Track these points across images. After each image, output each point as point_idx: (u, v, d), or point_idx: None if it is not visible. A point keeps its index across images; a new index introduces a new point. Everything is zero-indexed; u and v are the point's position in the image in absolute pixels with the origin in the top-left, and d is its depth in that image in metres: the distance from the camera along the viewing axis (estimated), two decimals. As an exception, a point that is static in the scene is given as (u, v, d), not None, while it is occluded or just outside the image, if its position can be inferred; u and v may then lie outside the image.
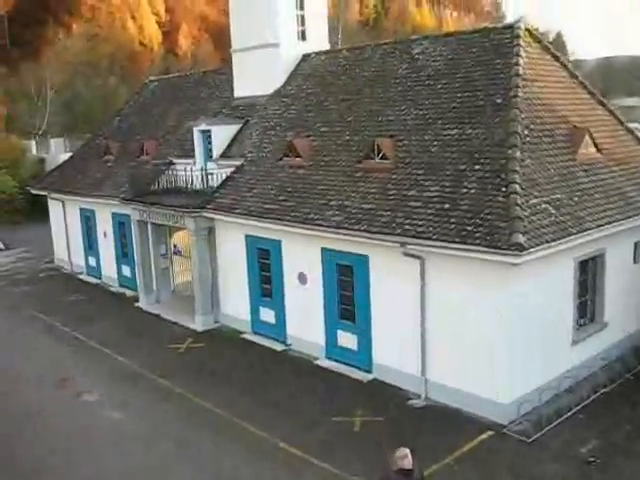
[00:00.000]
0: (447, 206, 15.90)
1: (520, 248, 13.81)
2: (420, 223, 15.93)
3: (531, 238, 14.25)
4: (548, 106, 17.93)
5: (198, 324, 22.52)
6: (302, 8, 24.86)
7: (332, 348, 19.05)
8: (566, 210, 15.78)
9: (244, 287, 21.54)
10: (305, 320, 19.72)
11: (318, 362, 19.16)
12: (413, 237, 15.71)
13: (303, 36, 25.07)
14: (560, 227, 15.16)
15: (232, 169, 22.82)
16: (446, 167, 16.93)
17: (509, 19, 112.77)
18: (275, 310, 20.76)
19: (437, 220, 15.71)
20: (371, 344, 17.97)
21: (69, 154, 40.27)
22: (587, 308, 17.74)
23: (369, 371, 18.09)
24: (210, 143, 24.32)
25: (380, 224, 16.65)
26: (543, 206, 15.41)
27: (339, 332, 18.80)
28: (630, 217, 17.17)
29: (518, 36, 18.45)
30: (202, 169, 24.01)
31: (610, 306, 17.99)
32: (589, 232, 15.74)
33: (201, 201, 21.90)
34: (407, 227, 16.05)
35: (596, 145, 18.33)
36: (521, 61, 17.84)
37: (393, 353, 17.37)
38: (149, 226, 24.69)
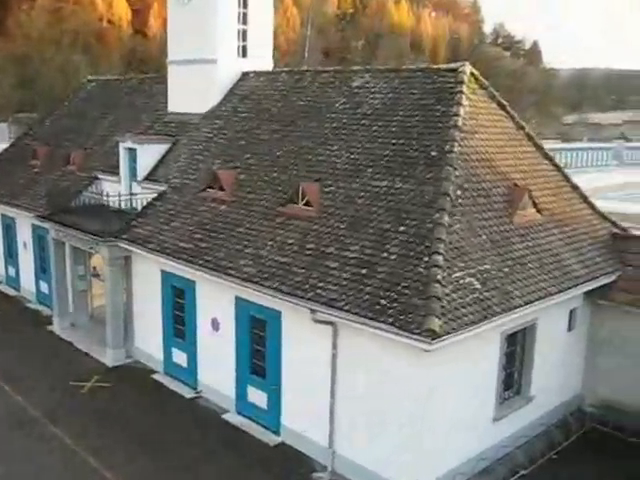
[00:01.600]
0: (364, 271, 14.50)
1: (433, 335, 12.48)
2: (334, 288, 14.53)
3: (448, 321, 12.92)
4: (487, 161, 16.59)
5: (109, 358, 20.91)
6: (245, 22, 23.18)
7: (242, 403, 17.66)
8: (493, 284, 14.48)
9: (158, 324, 20.02)
10: (216, 369, 18.29)
11: (227, 417, 17.75)
12: (324, 304, 14.30)
13: (244, 52, 23.39)
14: (483, 305, 13.85)
15: (155, 195, 21.16)
16: (370, 224, 15.52)
17: (488, 24, 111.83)
18: (187, 353, 19.28)
19: (352, 287, 14.32)
20: (280, 405, 16.61)
21: (5, 145, 37.90)
22: (513, 381, 16.56)
23: (277, 433, 16.74)
24: (136, 162, 22.61)
25: (293, 283, 15.20)
26: (467, 280, 14.07)
27: (249, 387, 17.41)
28: (565, 290, 15.94)
29: (462, 82, 17.05)
30: (127, 190, 22.40)
31: (538, 378, 16.82)
32: (515, 311, 14.47)
33: (118, 229, 20.22)
34: (319, 291, 14.63)
35: (536, 205, 17.06)
36: (462, 111, 16.45)
37: (302, 418, 16.05)
38: (67, 245, 22.95)
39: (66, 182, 24.77)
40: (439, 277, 13.45)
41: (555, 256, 16.64)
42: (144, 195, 21.41)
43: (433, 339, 12.47)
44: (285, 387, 16.38)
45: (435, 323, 12.60)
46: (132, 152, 22.70)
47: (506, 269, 15.09)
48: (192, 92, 23.10)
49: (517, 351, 16.34)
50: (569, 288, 16.09)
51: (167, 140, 22.74)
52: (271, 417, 16.86)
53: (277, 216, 17.41)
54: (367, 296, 13.90)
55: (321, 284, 14.79)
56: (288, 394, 16.33)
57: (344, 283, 14.50)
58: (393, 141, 17.07)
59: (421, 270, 13.79)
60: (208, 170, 20.49)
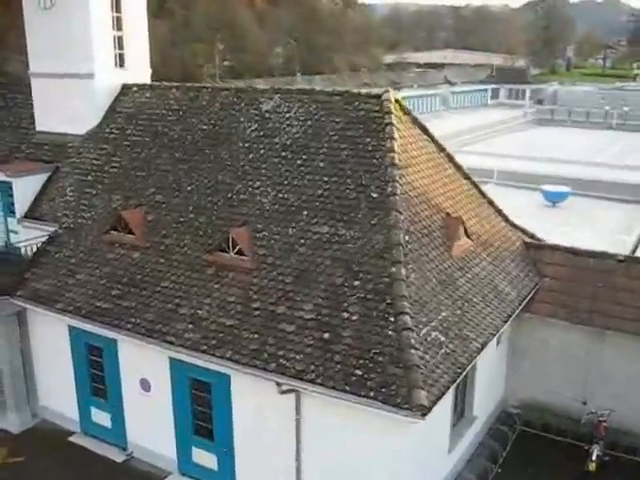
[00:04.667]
0: (327, 336, 13.86)
1: (424, 410, 12.26)
2: (298, 357, 13.77)
3: (428, 387, 12.74)
4: (423, 196, 16.35)
5: (13, 424, 18.72)
6: (120, 28, 20.75)
7: (187, 464, 16.61)
8: (453, 332, 14.47)
9: (69, 382, 18.14)
10: (151, 429, 16.99)
11: (171, 479, 16.66)
12: (292, 377, 13.55)
13: (121, 62, 21.03)
14: (452, 360, 13.82)
15: (43, 235, 18.79)
16: (319, 278, 14.80)
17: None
18: (111, 413, 17.72)
19: (318, 355, 13.65)
20: (234, 466, 15.81)
21: None
22: (457, 406, 16.93)
23: (232, 494, 15.99)
24: (11, 196, 19.90)
25: (248, 352, 14.24)
26: (433, 335, 13.94)
27: (195, 449, 16.38)
28: (507, 319, 16.34)
29: (389, 112, 16.45)
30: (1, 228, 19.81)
31: (478, 397, 17.36)
32: (473, 354, 14.61)
33: (7, 282, 17.81)
34: (282, 361, 13.82)
35: (467, 232, 17.16)
36: (396, 146, 15.94)
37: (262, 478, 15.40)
38: None
39: None
40: (412, 341, 13.18)
41: (491, 283, 16.95)
42: (28, 235, 18.95)
43: (423, 414, 12.27)
44: (239, 449, 15.57)
45: (422, 396, 12.37)
46: (4, 185, 19.92)
47: (458, 311, 15.14)
48: (66, 109, 20.46)
49: (462, 381, 16.63)
50: (510, 316, 16.52)
51: (46, 168, 20.14)
52: (224, 477, 16.05)
53: (206, 266, 16.13)
54: (338, 366, 13.34)
55: (282, 352, 13.97)
56: (242, 456, 15.56)
57: (308, 350, 13.79)
58: (325, 178, 16.25)
59: (390, 333, 13.43)
60: (107, 207, 18.48)
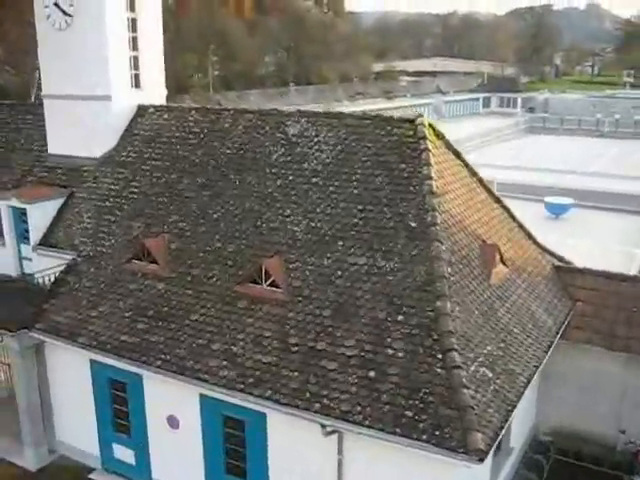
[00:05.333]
0: (373, 374, 13.31)
1: (481, 455, 11.77)
2: (342, 397, 13.21)
3: (483, 429, 12.25)
4: (460, 224, 15.89)
5: (30, 460, 18.00)
6: (135, 48, 20.15)
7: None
8: (499, 367, 13.98)
9: (90, 417, 17.45)
10: (179, 467, 16.34)
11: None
12: (337, 418, 12.99)
13: (137, 83, 20.42)
14: (501, 397, 13.33)
15: (61, 264, 18.12)
16: (360, 312, 14.27)
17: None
18: (135, 449, 17.05)
19: (364, 395, 13.10)
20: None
21: None
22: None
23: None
24: (25, 222, 19.20)
25: (288, 391, 13.65)
26: (481, 371, 13.44)
27: (226, 488, 15.77)
28: (546, 349, 15.89)
29: (424, 137, 15.98)
30: (15, 256, 19.16)
31: (515, 427, 16.90)
32: (520, 389, 14.14)
33: (26, 315, 17.11)
34: (326, 401, 13.25)
35: (502, 258, 16.72)
36: (433, 172, 15.47)
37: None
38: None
39: None
40: (464, 380, 12.69)
41: (528, 311, 16.50)
42: (43, 263, 18.27)
43: (481, 459, 11.78)
44: (275, 490, 14.98)
45: (478, 439, 11.88)
46: (18, 211, 19.22)
47: (502, 344, 14.67)
48: (80, 132, 19.83)
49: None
50: (549, 346, 16.07)
51: (61, 193, 19.45)
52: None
53: (237, 299, 15.54)
54: (386, 406, 12.80)
55: (325, 391, 13.40)
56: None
57: (353, 390, 13.24)
58: (359, 206, 15.74)
59: (439, 371, 12.93)
60: (127, 235, 17.85)
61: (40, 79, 20.53)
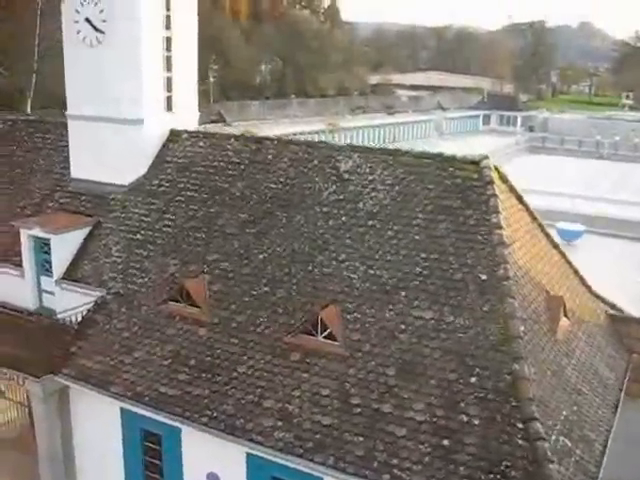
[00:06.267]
0: (447, 443, 12.22)
1: None
2: (415, 468, 12.12)
3: (572, 510, 11.22)
4: (527, 275, 14.87)
5: (46, 512, 16.68)
6: (170, 68, 18.94)
7: None
8: (576, 434, 13.01)
9: (118, 470, 16.12)
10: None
11: None
12: (411, 493, 11.88)
13: (169, 105, 19.19)
14: (582, 469, 12.41)
15: (88, 302, 16.82)
16: (428, 372, 13.16)
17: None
18: (167, 506, 15.77)
19: (439, 466, 12.02)
20: None
21: None
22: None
23: None
24: (47, 253, 17.87)
25: (353, 459, 12.50)
26: (561, 441, 12.46)
27: None
28: (614, 410, 14.89)
29: (491, 182, 14.94)
30: (35, 288, 17.86)
31: None
32: (599, 459, 13.12)
33: (49, 355, 15.81)
34: (397, 472, 12.14)
35: (565, 311, 15.70)
36: (502, 220, 14.42)
37: None
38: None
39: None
40: (548, 452, 11.63)
41: (592, 367, 15.52)
42: (66, 297, 16.99)
43: None
44: None
45: (573, 526, 10.82)
46: (40, 240, 17.88)
47: (574, 407, 13.68)
48: (107, 157, 18.58)
49: None
50: (616, 406, 15.08)
51: (87, 223, 18.15)
52: None
53: (289, 350, 14.35)
54: (465, 481, 11.72)
55: (394, 460, 12.28)
56: None
57: (426, 460, 12.14)
58: (422, 254, 14.63)
59: (521, 442, 11.89)
60: (162, 273, 16.59)
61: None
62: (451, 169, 15.63)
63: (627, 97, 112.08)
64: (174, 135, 19.15)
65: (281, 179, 17.09)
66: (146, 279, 16.75)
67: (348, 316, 14.37)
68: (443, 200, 15.24)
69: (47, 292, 18.25)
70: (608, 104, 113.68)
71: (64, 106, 19.64)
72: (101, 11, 17.88)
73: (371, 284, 14.64)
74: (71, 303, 17.25)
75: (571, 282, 17.69)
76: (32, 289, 18.24)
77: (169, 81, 19.00)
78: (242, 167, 17.74)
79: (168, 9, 18.60)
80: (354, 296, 14.60)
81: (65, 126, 20.49)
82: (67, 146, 19.82)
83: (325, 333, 14.19)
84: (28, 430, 18.24)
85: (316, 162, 17.03)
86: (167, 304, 16.01)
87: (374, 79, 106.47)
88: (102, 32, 18.01)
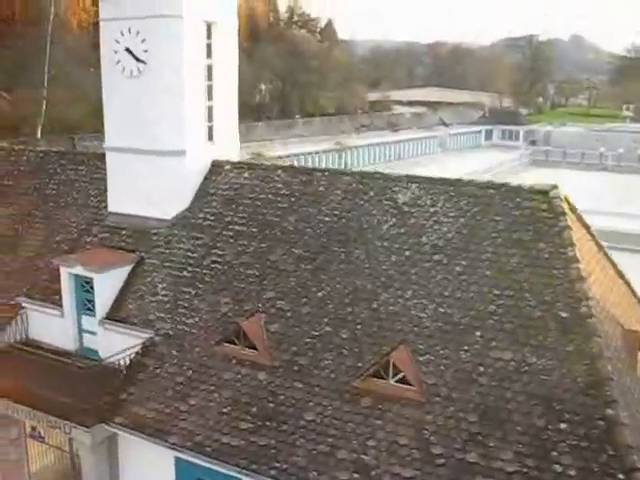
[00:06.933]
0: (542, 497, 11.49)
1: None
2: (509, 526, 11.36)
3: None
4: (605, 310, 14.21)
5: None
6: (211, 97, 18.30)
7: None
8: (673, 482, 12.23)
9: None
10: None
11: None
12: None
13: (210, 135, 18.53)
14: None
15: (134, 344, 16.04)
16: (513, 417, 12.44)
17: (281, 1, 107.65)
18: None
19: (535, 524, 11.27)
20: None
21: None
22: None
23: None
24: (89, 292, 17.10)
25: (442, 516, 11.76)
26: (662, 492, 11.68)
27: None
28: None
29: (563, 213, 14.31)
30: (75, 328, 17.09)
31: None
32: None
33: (97, 402, 14.99)
34: (490, 531, 11.39)
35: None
36: (577, 253, 13.78)
37: None
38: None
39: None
40: (656, 507, 10.92)
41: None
42: (111, 338, 16.18)
43: None
44: None
45: None
46: (82, 279, 17.11)
47: (666, 452, 12.92)
48: (148, 190, 17.86)
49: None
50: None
51: (130, 259, 17.39)
52: None
53: (359, 395, 13.60)
54: (566, 542, 10.98)
55: (486, 518, 11.54)
56: None
57: (522, 517, 11.40)
58: (495, 291, 13.95)
59: (624, 495, 11.14)
60: (214, 312, 15.83)
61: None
62: (518, 200, 15.00)
63: (627, 109, 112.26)
64: (216, 166, 18.46)
65: (335, 212, 16.41)
66: (197, 319, 15.99)
67: (420, 358, 13.65)
68: (512, 233, 14.59)
69: (88, 332, 17.47)
70: (607, 116, 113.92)
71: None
72: (143, 40, 17.23)
73: (442, 323, 13.94)
74: (114, 344, 16.47)
75: (637, 312, 17.04)
76: (72, 329, 17.44)
77: (210, 110, 18.34)
78: (292, 199, 17.05)
79: (209, 37, 17.98)
80: (425, 336, 13.89)
81: (99, 158, 19.96)
82: (102, 178, 19.16)
83: (397, 377, 13.46)
84: (68, 476, 17.42)
85: (372, 194, 16.37)
86: (222, 346, 15.25)
87: (373, 96, 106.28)
88: (143, 62, 17.36)
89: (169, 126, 17.47)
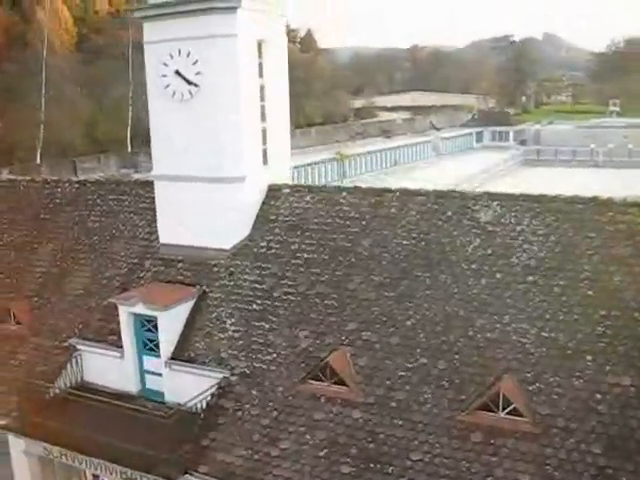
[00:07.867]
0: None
1: None
2: None
3: None
4: None
5: None
6: (264, 119, 17.48)
7: None
8: None
9: None
10: None
11: None
12: None
13: (264, 159, 17.69)
14: None
15: (207, 384, 15.13)
16: (642, 448, 11.75)
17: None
18: None
19: None
20: None
21: None
22: None
23: None
24: (151, 330, 16.15)
25: None
26: None
27: None
28: None
29: (659, 226, 13.70)
30: (135, 369, 16.19)
31: None
32: None
33: (178, 453, 14.05)
34: None
35: None
36: (685, 270, 13.17)
37: None
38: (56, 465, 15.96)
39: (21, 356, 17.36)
40: None
41: None
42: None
43: None
44: None
45: None
46: (142, 317, 16.15)
47: None
48: (203, 219, 16.95)
49: None
50: None
51: (192, 294, 16.46)
52: None
53: (467, 431, 12.84)
54: None
55: None
56: None
57: None
58: (601, 312, 13.27)
59: None
60: (293, 347, 14.98)
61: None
62: (610, 214, 14.37)
63: (614, 104, 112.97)
64: (274, 190, 17.61)
65: (413, 234, 15.64)
66: (274, 355, 15.10)
67: (529, 387, 12.92)
68: (610, 249, 13.95)
69: (150, 373, 16.50)
70: (592, 112, 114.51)
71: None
72: (194, 62, 16.34)
73: (547, 349, 13.23)
74: (182, 385, 15.60)
75: None
76: (134, 371, 16.48)
77: (264, 132, 17.52)
78: (363, 223, 16.24)
79: (260, 56, 17.17)
80: (531, 364, 13.17)
81: (142, 186, 19.06)
82: (149, 208, 18.27)
83: (508, 409, 12.72)
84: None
85: (450, 213, 15.64)
86: (307, 383, 14.40)
87: (358, 103, 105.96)
88: (196, 85, 16.46)
89: (226, 151, 16.60)
